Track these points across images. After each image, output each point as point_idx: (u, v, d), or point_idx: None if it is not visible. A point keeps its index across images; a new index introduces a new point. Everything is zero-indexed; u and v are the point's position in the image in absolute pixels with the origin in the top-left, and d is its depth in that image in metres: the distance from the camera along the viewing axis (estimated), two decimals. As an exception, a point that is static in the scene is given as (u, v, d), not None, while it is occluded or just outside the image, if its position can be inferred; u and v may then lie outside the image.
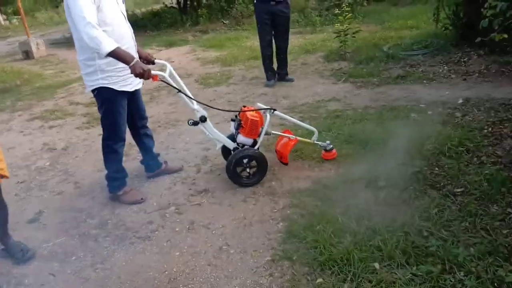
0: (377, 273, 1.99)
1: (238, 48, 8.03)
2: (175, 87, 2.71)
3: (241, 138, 2.94)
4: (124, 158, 3.68)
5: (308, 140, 3.17)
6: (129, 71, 2.41)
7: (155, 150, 3.23)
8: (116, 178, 2.92)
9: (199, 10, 11.82)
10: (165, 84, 2.72)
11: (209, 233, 2.52)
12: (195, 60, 7.46)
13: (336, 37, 6.29)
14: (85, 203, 3.02)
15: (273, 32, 5.27)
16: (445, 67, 5.21)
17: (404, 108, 4.05)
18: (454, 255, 2.01)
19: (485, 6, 2.54)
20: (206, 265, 2.25)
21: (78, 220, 2.82)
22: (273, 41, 5.35)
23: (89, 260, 2.40)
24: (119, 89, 2.61)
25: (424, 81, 4.82)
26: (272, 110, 2.95)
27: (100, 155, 3.77)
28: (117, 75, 2.55)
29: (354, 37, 6.32)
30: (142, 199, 2.94)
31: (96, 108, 5.22)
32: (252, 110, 2.93)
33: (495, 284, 1.84)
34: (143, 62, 2.80)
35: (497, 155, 2.91)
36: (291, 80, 5.46)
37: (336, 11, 6.57)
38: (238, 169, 2.94)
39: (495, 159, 2.86)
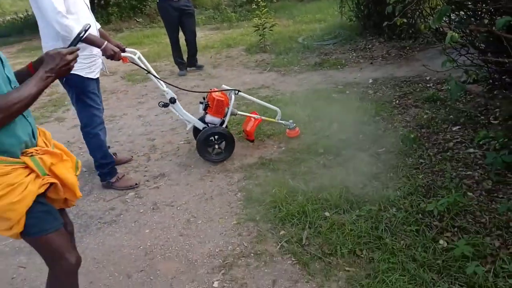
0: (328, 219, 2.37)
1: (158, 44, 8.05)
2: (144, 69, 2.88)
3: (209, 117, 3.15)
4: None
5: (273, 120, 3.44)
6: (93, 59, 2.56)
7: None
8: (104, 164, 2.97)
9: (109, 9, 11.45)
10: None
11: (174, 210, 2.70)
12: (116, 58, 7.30)
13: (255, 31, 6.69)
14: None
15: (180, 28, 5.75)
16: (354, 54, 5.90)
17: (326, 90, 4.57)
18: (386, 197, 2.49)
19: (388, -5, 3.06)
20: (178, 236, 2.44)
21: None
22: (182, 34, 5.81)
23: (57, 250, 2.43)
24: (85, 76, 2.68)
25: (338, 67, 5.42)
26: (237, 91, 3.19)
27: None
28: (82, 62, 2.60)
29: (271, 30, 6.78)
30: (136, 184, 3.02)
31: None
32: (218, 91, 3.16)
33: (420, 214, 2.33)
34: None
35: (406, 120, 3.52)
36: (201, 67, 5.98)
37: (253, 6, 6.97)
38: (207, 146, 3.13)
39: (405, 124, 3.45)
